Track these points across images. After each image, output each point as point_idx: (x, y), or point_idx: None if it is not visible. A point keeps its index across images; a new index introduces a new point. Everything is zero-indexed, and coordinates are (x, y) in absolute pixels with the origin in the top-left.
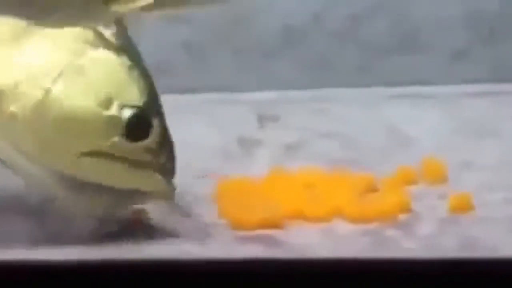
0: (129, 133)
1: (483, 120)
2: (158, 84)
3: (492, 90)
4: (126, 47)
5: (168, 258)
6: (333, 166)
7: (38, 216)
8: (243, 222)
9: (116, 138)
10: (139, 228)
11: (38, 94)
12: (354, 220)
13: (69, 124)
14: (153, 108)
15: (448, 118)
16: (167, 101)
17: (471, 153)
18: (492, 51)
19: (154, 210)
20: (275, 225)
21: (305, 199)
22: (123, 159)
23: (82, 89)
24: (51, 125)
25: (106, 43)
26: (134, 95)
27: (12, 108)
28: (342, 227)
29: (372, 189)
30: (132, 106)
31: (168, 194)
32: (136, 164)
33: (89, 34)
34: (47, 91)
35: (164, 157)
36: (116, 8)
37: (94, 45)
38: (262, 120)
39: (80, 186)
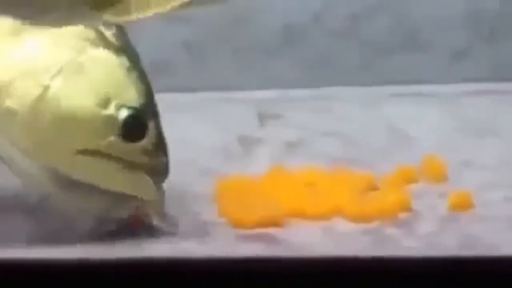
0: (125, 134)
1: (483, 119)
2: (159, 83)
3: (492, 89)
4: (125, 48)
5: (168, 257)
6: (333, 165)
7: (38, 215)
8: (243, 221)
9: (112, 138)
10: (139, 228)
11: (36, 90)
12: (354, 218)
13: (66, 122)
14: (149, 110)
15: (448, 117)
16: (167, 100)
17: (471, 152)
18: (492, 50)
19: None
20: (275, 224)
21: (305, 198)
22: (118, 160)
23: (80, 87)
24: (48, 121)
25: (106, 43)
26: (132, 96)
27: (8, 103)
28: (342, 225)
29: (372, 187)
30: (130, 107)
31: (158, 201)
32: (130, 165)
33: (89, 32)
34: (46, 88)
35: (158, 159)
36: (107, 18)
37: (94, 44)
38: (262, 118)
39: (73, 185)
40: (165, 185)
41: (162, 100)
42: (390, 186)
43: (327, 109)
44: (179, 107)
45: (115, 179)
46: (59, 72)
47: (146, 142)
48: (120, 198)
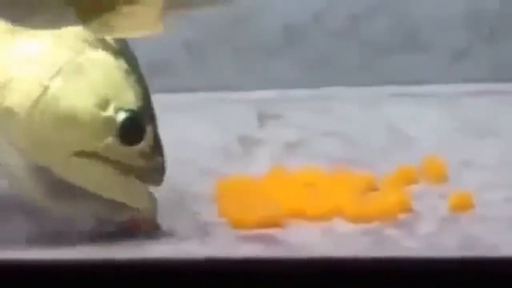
0: (123, 136)
1: (483, 119)
2: (159, 84)
3: (492, 89)
4: (123, 50)
5: (168, 257)
6: (333, 165)
7: (37, 215)
8: (243, 221)
9: (110, 140)
10: (138, 230)
11: (36, 90)
12: (355, 219)
13: (65, 122)
14: (147, 113)
15: (448, 117)
16: (167, 100)
17: (471, 152)
18: (492, 50)
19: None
20: (275, 224)
21: (305, 198)
22: (114, 164)
23: (80, 88)
24: (48, 121)
25: (105, 45)
26: (130, 99)
27: (8, 103)
28: (342, 226)
29: (372, 188)
30: (128, 110)
31: (150, 210)
32: (126, 170)
33: (88, 34)
34: (46, 88)
35: (155, 162)
36: (91, 29)
37: (93, 46)
38: (262, 119)
39: (63, 191)
40: (162, 188)
41: (162, 100)
42: (390, 187)
43: (327, 109)
44: (179, 107)
45: (109, 184)
46: (58, 72)
47: (144, 145)
48: (111, 205)
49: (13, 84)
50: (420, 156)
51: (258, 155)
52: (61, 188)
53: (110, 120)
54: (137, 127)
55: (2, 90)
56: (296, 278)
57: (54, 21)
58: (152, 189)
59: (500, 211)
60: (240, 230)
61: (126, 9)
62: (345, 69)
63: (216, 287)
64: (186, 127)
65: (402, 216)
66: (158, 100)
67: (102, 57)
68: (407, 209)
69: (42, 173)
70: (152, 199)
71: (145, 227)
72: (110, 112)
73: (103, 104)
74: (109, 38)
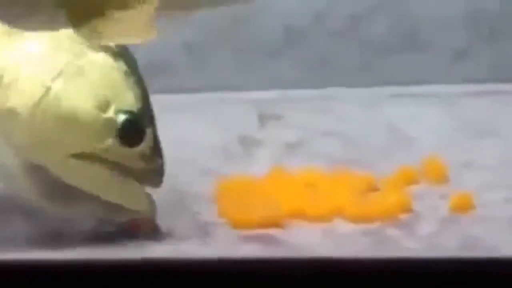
0: (123, 138)
1: (484, 119)
2: (159, 84)
3: (492, 90)
4: (123, 52)
5: (168, 258)
6: (333, 166)
7: (38, 215)
8: (243, 221)
9: (110, 141)
10: (138, 231)
11: (38, 91)
12: (355, 219)
13: (66, 123)
14: (147, 115)
15: (448, 118)
16: (168, 100)
17: (472, 152)
18: (492, 50)
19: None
20: (276, 225)
21: (305, 199)
22: (114, 165)
23: (80, 90)
24: (49, 122)
25: (104, 47)
26: (130, 100)
27: (11, 103)
28: (343, 226)
29: (373, 188)
30: (128, 112)
31: (149, 212)
32: (125, 171)
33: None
34: (48, 89)
35: (155, 164)
36: (81, 34)
37: (93, 48)
38: (262, 119)
39: (60, 193)
40: (162, 188)
41: (162, 100)
42: (390, 187)
43: (328, 109)
44: (179, 108)
45: (107, 186)
46: (59, 74)
47: (144, 147)
48: (109, 206)
49: (16, 85)
50: (421, 157)
51: (258, 155)
52: (58, 189)
53: (110, 122)
54: (137, 129)
55: (4, 91)
56: (296, 279)
57: (46, 24)
58: (152, 189)
59: (500, 212)
60: (240, 231)
61: (116, 14)
62: (345, 69)
63: (216, 287)
64: (186, 127)
65: (402, 216)
66: (158, 101)
67: (102, 59)
68: (408, 210)
69: (38, 173)
70: (151, 201)
71: (144, 229)
72: (110, 113)
73: (104, 106)
74: None
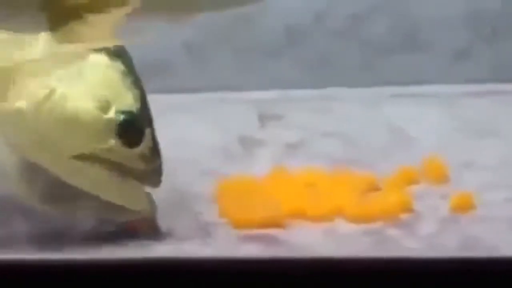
0: (124, 138)
1: (484, 119)
2: (159, 84)
3: (493, 90)
4: (120, 52)
5: (169, 257)
6: (334, 166)
7: (38, 215)
8: (244, 221)
9: (111, 142)
10: (138, 231)
11: (42, 92)
12: (356, 219)
13: (70, 124)
14: (145, 115)
15: (449, 118)
16: (168, 100)
17: (472, 152)
18: (493, 50)
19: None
20: (276, 225)
21: (306, 199)
22: (114, 166)
23: (82, 91)
24: (52, 123)
25: (104, 48)
26: (129, 101)
27: (15, 104)
28: (344, 226)
29: (373, 188)
30: (128, 112)
31: (149, 212)
32: (125, 172)
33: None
34: (52, 90)
35: (154, 164)
36: (57, 37)
37: (94, 49)
38: (263, 119)
39: (60, 193)
40: (163, 188)
41: (162, 100)
42: (391, 187)
43: (328, 109)
44: (179, 108)
45: (108, 186)
46: (61, 75)
47: (143, 147)
48: (109, 207)
49: (19, 86)
50: (421, 157)
51: (259, 156)
52: (58, 189)
53: (111, 122)
54: (137, 129)
55: (8, 91)
56: (297, 278)
57: (28, 26)
58: (152, 189)
59: (500, 212)
60: (241, 231)
61: (92, 18)
62: (346, 69)
63: (217, 287)
64: (186, 128)
65: (403, 216)
66: (159, 101)
67: (101, 59)
68: (408, 210)
69: (39, 174)
70: (151, 201)
71: (144, 229)
72: (111, 114)
73: (104, 107)
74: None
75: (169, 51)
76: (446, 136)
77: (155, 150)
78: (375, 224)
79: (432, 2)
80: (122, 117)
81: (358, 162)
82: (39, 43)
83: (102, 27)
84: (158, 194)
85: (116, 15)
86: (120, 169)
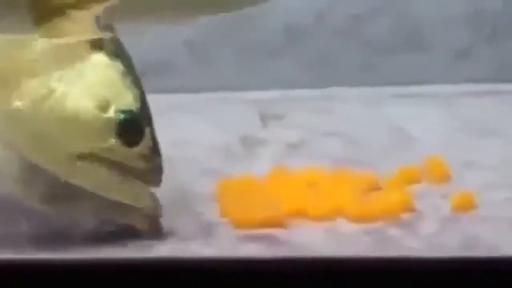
0: (123, 137)
1: (485, 119)
2: (160, 84)
3: (494, 90)
4: (119, 52)
5: (170, 257)
6: (335, 165)
7: (38, 214)
8: (245, 221)
9: (111, 141)
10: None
11: (42, 92)
12: (357, 219)
13: (69, 124)
14: (145, 114)
15: (450, 117)
16: (169, 100)
17: (473, 152)
18: (494, 50)
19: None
20: (278, 224)
21: (307, 198)
22: (114, 165)
23: (82, 90)
24: (52, 123)
25: (102, 47)
26: (129, 100)
27: (15, 104)
28: (345, 226)
29: (374, 188)
30: (127, 111)
31: (152, 209)
32: (126, 171)
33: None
34: (51, 90)
35: (154, 163)
36: (41, 33)
37: (91, 48)
38: (264, 119)
39: (61, 193)
40: (165, 188)
41: (163, 100)
42: (392, 187)
43: (329, 109)
44: (180, 107)
45: (110, 185)
46: (61, 75)
47: (143, 146)
48: (110, 207)
49: (19, 86)
50: (422, 156)
51: (260, 155)
52: (59, 189)
53: (110, 122)
54: (136, 128)
55: (8, 92)
56: (298, 278)
57: (16, 26)
58: (154, 189)
59: (501, 211)
60: (242, 230)
61: (74, 14)
62: (347, 69)
63: (218, 287)
64: (187, 127)
65: (404, 216)
66: (160, 100)
67: (101, 59)
68: (410, 209)
69: (39, 174)
70: (155, 200)
71: (147, 228)
72: (110, 113)
73: (104, 106)
74: (105, 39)
75: (170, 50)
76: (447, 136)
77: (155, 149)
78: (376, 223)
79: (433, 2)
80: (121, 116)
81: (359, 161)
82: (38, 43)
83: (83, 22)
84: (159, 193)
85: (96, 10)
86: (120, 168)
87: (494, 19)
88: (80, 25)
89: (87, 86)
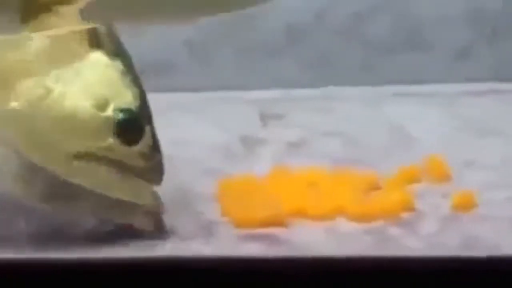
0: (122, 136)
1: (485, 119)
2: (160, 83)
3: (493, 89)
4: (119, 51)
5: (171, 256)
6: (335, 165)
7: (38, 215)
8: (245, 221)
9: (110, 140)
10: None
11: (40, 91)
12: (357, 218)
13: (68, 123)
14: (144, 113)
15: (450, 117)
16: (169, 100)
17: (474, 151)
18: (494, 50)
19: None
20: (278, 224)
21: (307, 198)
22: (114, 163)
23: (80, 90)
24: (51, 123)
25: (101, 46)
26: (128, 99)
27: (13, 104)
28: (345, 225)
29: (375, 187)
30: (127, 110)
31: (154, 206)
32: (126, 169)
33: (87, 36)
34: (48, 89)
35: (154, 162)
36: (29, 29)
37: (90, 47)
38: (264, 118)
39: (60, 192)
40: (165, 187)
41: (164, 99)
42: (392, 186)
43: (329, 109)
44: (181, 107)
45: (112, 184)
46: (59, 75)
47: (143, 145)
48: (111, 207)
49: (18, 86)
50: (422, 156)
51: (261, 155)
52: (58, 189)
53: (109, 120)
54: (136, 126)
55: (6, 91)
56: (299, 277)
57: (6, 26)
58: (155, 188)
59: (502, 211)
60: (242, 230)
61: (60, 9)
62: (347, 68)
63: (219, 286)
64: (188, 127)
65: (404, 215)
66: (160, 100)
67: (99, 58)
68: (410, 208)
69: (38, 173)
70: (156, 196)
71: (149, 226)
72: (109, 112)
73: (103, 105)
74: (105, 39)
75: (171, 50)
76: (447, 135)
77: (154, 148)
78: (376, 223)
79: (433, 1)
80: (120, 115)
81: (359, 161)
82: (32, 43)
83: (69, 17)
84: (159, 193)
85: (80, 4)
86: (120, 167)
87: (494, 19)
88: (67, 20)
89: (86, 85)
